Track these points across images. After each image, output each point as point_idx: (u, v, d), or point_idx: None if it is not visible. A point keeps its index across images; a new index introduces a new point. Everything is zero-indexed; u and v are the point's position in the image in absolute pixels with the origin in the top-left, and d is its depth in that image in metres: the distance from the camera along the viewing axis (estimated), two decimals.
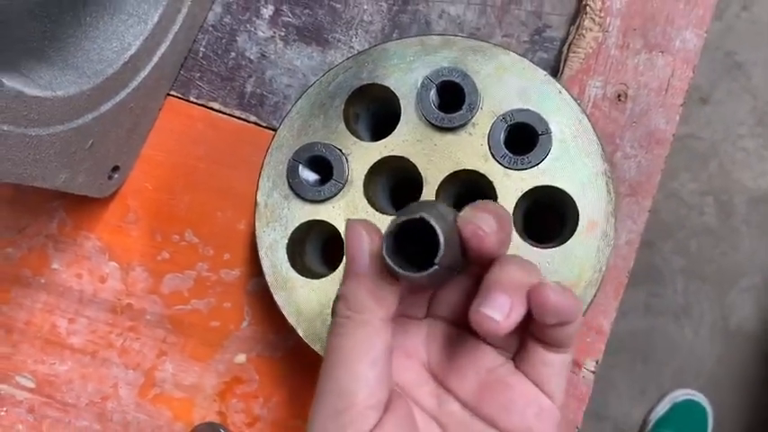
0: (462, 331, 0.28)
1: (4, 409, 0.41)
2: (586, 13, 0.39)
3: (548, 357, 0.26)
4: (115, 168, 0.40)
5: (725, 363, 1.14)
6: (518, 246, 0.33)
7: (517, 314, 0.23)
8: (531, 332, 0.26)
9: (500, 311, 0.23)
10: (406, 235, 0.23)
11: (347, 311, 0.25)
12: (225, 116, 0.42)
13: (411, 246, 0.24)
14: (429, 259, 0.23)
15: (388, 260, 0.23)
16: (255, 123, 0.41)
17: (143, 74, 0.38)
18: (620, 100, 0.39)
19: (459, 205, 0.34)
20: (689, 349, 1.15)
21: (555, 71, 0.40)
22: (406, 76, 0.35)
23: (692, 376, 1.13)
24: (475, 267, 0.26)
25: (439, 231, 0.22)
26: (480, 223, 0.24)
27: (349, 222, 0.25)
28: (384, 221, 0.34)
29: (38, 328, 0.41)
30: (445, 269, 0.23)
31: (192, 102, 0.42)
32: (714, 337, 1.14)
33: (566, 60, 0.39)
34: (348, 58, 0.36)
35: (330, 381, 0.25)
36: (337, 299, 0.26)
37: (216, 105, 0.42)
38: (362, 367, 0.24)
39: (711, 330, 1.15)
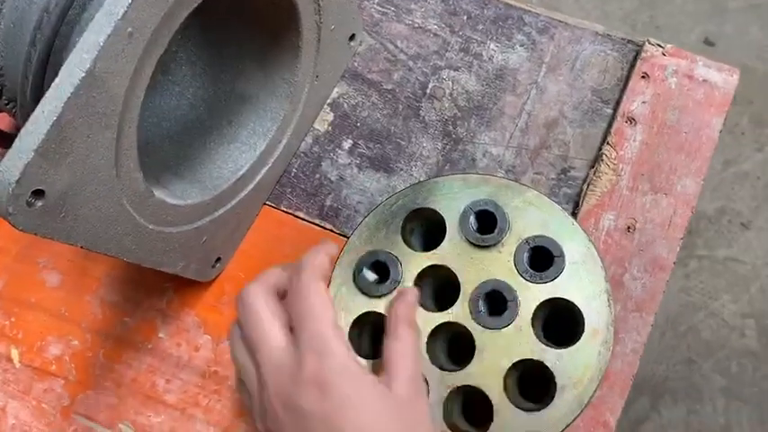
0: None
1: None
2: (603, 160, 0.49)
3: None
4: (218, 259, 0.50)
5: None
6: (534, 343, 0.41)
7: None
8: None
9: None
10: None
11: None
12: (307, 223, 0.52)
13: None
14: None
15: None
16: (331, 230, 0.51)
17: (248, 188, 0.49)
18: (629, 231, 0.48)
19: (487, 307, 0.43)
20: None
21: (576, 204, 0.49)
22: (451, 204, 0.44)
23: None
24: None
25: None
26: None
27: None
28: (427, 318, 0.43)
29: (141, 384, 0.51)
30: None
31: (282, 210, 0.52)
32: None
33: (585, 196, 0.48)
34: (407, 188, 0.46)
35: None
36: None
37: (301, 214, 0.52)
38: None
39: None
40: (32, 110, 0.35)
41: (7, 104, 0.41)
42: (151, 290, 0.52)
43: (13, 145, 0.30)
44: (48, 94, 0.31)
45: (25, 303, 0.53)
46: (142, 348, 0.51)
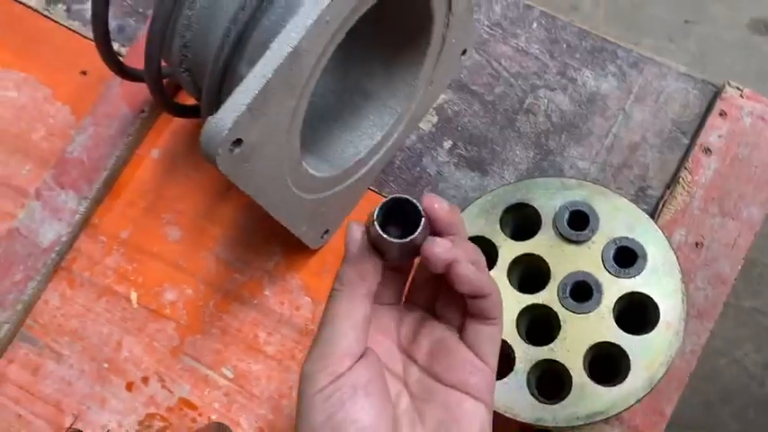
0: (426, 315, 0.37)
1: (208, 390, 0.56)
2: (679, 183, 0.55)
3: (478, 328, 0.35)
4: (326, 231, 0.56)
5: None
6: (614, 329, 0.46)
7: (450, 255, 0.32)
8: (467, 311, 0.35)
9: (443, 247, 0.32)
10: (389, 216, 0.32)
11: (340, 286, 0.35)
12: None
13: (392, 228, 0.32)
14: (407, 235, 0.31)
15: (378, 228, 0.31)
16: None
17: (362, 171, 0.55)
18: (697, 247, 0.53)
19: (574, 294, 0.49)
20: None
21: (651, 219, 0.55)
22: (548, 202, 0.50)
23: None
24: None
25: (420, 208, 0.31)
26: (437, 199, 0.34)
27: (350, 223, 0.35)
28: (517, 298, 0.49)
29: (244, 335, 0.57)
30: (419, 244, 0.32)
31: (383, 196, 0.59)
32: None
33: (660, 212, 0.54)
34: (508, 184, 0.52)
35: (321, 333, 0.34)
36: (336, 278, 0.35)
37: None
38: (345, 327, 0.33)
39: None
40: (220, 79, 0.42)
41: (183, 72, 0.48)
42: (261, 252, 0.58)
43: (228, 100, 0.37)
44: (260, 63, 0.37)
45: (147, 252, 0.59)
46: (248, 303, 0.57)
